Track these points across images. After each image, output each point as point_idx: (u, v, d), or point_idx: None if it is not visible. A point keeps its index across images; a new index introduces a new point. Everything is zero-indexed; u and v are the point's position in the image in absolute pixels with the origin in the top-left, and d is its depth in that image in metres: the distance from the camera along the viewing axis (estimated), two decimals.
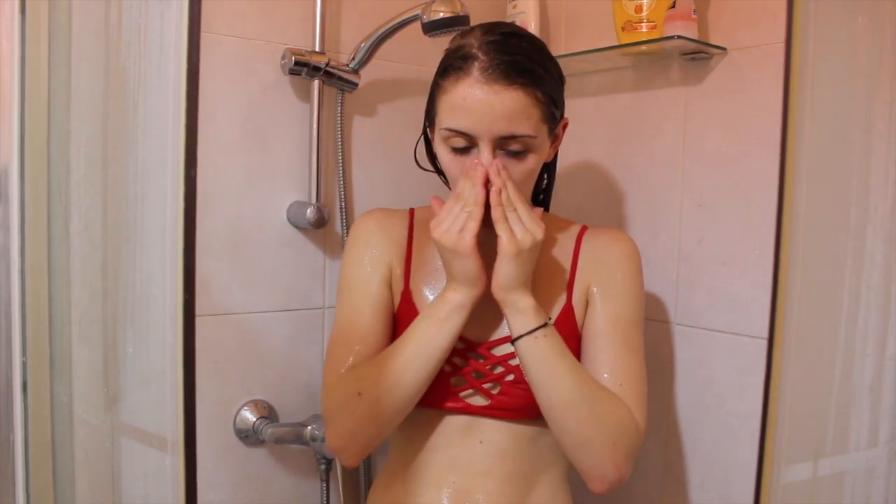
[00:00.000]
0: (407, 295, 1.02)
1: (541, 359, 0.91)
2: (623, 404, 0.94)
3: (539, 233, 0.92)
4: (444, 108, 0.93)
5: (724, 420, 1.20)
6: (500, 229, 0.91)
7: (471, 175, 0.92)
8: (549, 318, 0.94)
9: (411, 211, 1.09)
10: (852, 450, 0.71)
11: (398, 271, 1.03)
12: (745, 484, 1.17)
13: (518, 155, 0.93)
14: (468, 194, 0.92)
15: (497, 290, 0.93)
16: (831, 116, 0.68)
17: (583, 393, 0.91)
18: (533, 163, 0.94)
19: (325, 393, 0.98)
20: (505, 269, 0.91)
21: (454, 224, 0.92)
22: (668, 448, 1.28)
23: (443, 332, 0.93)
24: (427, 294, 1.02)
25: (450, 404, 0.97)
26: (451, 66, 0.92)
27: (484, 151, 0.92)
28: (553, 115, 0.95)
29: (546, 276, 1.01)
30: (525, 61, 0.90)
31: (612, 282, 1.01)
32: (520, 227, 0.91)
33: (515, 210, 0.92)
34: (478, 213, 0.91)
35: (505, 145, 0.92)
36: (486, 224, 1.00)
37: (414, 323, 0.96)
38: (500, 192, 0.91)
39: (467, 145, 0.93)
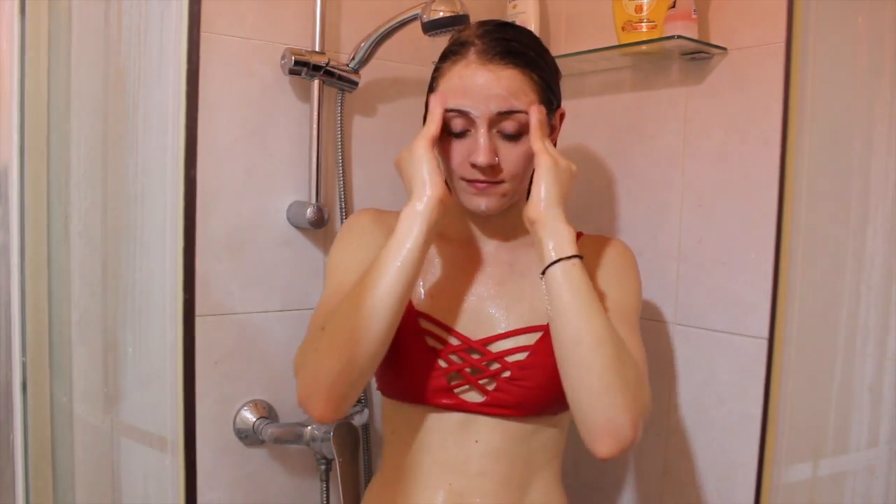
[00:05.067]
0: None
1: (577, 286, 0.88)
2: (640, 367, 0.92)
3: (573, 165, 0.94)
4: (442, 92, 0.96)
5: (724, 420, 1.20)
6: (538, 147, 0.92)
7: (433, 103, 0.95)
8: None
9: None
10: (852, 450, 0.71)
11: None
12: (745, 484, 1.17)
13: (513, 138, 0.94)
14: (430, 120, 0.94)
15: (534, 210, 0.91)
16: (831, 116, 0.68)
17: (613, 333, 0.88)
18: (528, 146, 0.94)
19: (296, 355, 0.96)
20: (545, 182, 0.90)
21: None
22: (668, 448, 1.28)
23: (407, 243, 0.89)
24: (418, 288, 1.01)
25: (445, 401, 0.97)
26: (450, 51, 0.96)
27: (480, 130, 0.92)
28: (549, 101, 0.97)
29: (538, 281, 1.01)
30: (519, 46, 0.94)
31: (608, 276, 1.01)
32: (555, 152, 0.93)
33: (551, 145, 0.95)
34: (437, 119, 0.92)
35: (501, 126, 0.93)
36: (485, 221, 1.00)
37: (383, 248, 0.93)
38: (540, 123, 0.93)
39: (464, 129, 0.94)
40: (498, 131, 0.94)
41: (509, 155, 0.94)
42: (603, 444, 0.86)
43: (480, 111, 0.92)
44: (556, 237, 0.89)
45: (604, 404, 0.86)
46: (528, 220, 0.92)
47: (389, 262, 0.89)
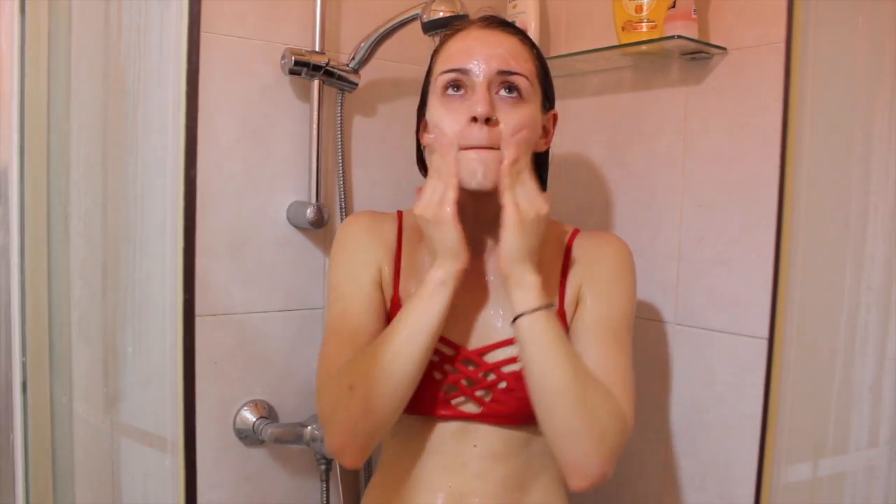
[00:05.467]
0: (396, 300, 1.01)
1: (541, 339, 0.90)
2: (615, 399, 0.92)
3: (543, 208, 0.92)
4: (441, 61, 0.97)
5: (724, 420, 1.20)
6: (506, 198, 0.91)
7: (441, 150, 0.93)
8: (553, 303, 0.93)
9: (399, 214, 1.08)
10: (852, 450, 0.71)
11: (388, 276, 1.02)
12: (745, 484, 1.17)
13: (513, 96, 0.93)
14: (442, 167, 0.93)
15: (502, 263, 0.92)
16: (831, 116, 0.68)
17: (578, 380, 0.89)
18: (528, 113, 0.94)
19: (318, 395, 0.97)
20: (509, 239, 0.90)
21: (433, 196, 0.92)
22: (667, 448, 1.28)
23: (429, 312, 0.91)
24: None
25: (441, 412, 0.97)
26: (450, 29, 1.01)
27: (479, 90, 0.92)
28: (544, 87, 0.99)
29: None
30: (518, 27, 1.00)
31: (602, 281, 1.00)
32: (525, 199, 0.91)
33: (524, 184, 0.92)
34: (454, 182, 0.91)
35: (501, 86, 0.93)
36: (477, 223, 1.00)
37: (400, 310, 0.95)
38: (513, 162, 0.91)
39: (461, 88, 0.94)
40: (497, 92, 0.93)
41: (507, 118, 0.93)
42: (573, 479, 0.91)
43: (481, 69, 0.92)
44: (522, 290, 0.91)
45: (570, 445, 0.90)
46: (499, 271, 0.93)
47: (415, 328, 0.91)
